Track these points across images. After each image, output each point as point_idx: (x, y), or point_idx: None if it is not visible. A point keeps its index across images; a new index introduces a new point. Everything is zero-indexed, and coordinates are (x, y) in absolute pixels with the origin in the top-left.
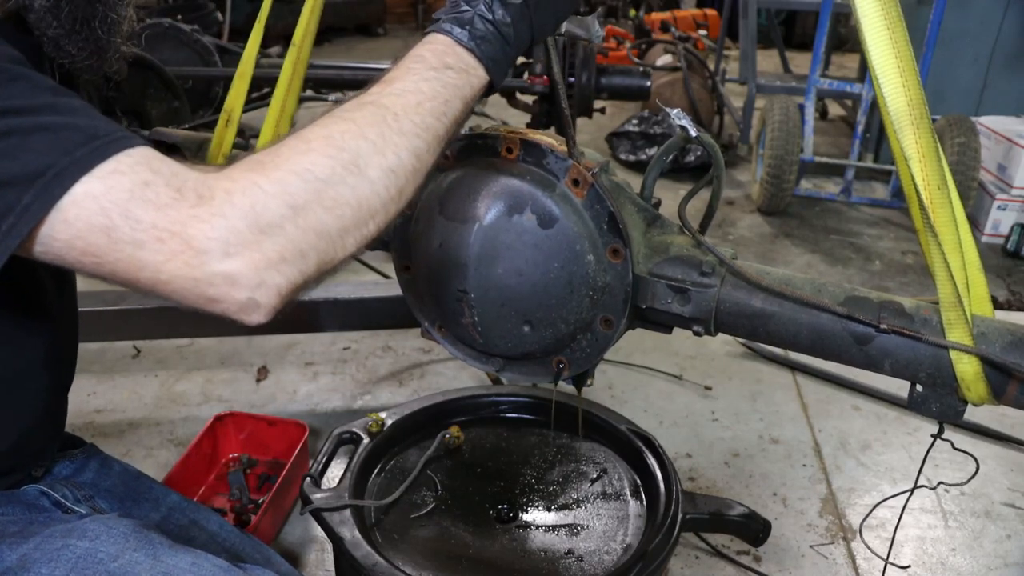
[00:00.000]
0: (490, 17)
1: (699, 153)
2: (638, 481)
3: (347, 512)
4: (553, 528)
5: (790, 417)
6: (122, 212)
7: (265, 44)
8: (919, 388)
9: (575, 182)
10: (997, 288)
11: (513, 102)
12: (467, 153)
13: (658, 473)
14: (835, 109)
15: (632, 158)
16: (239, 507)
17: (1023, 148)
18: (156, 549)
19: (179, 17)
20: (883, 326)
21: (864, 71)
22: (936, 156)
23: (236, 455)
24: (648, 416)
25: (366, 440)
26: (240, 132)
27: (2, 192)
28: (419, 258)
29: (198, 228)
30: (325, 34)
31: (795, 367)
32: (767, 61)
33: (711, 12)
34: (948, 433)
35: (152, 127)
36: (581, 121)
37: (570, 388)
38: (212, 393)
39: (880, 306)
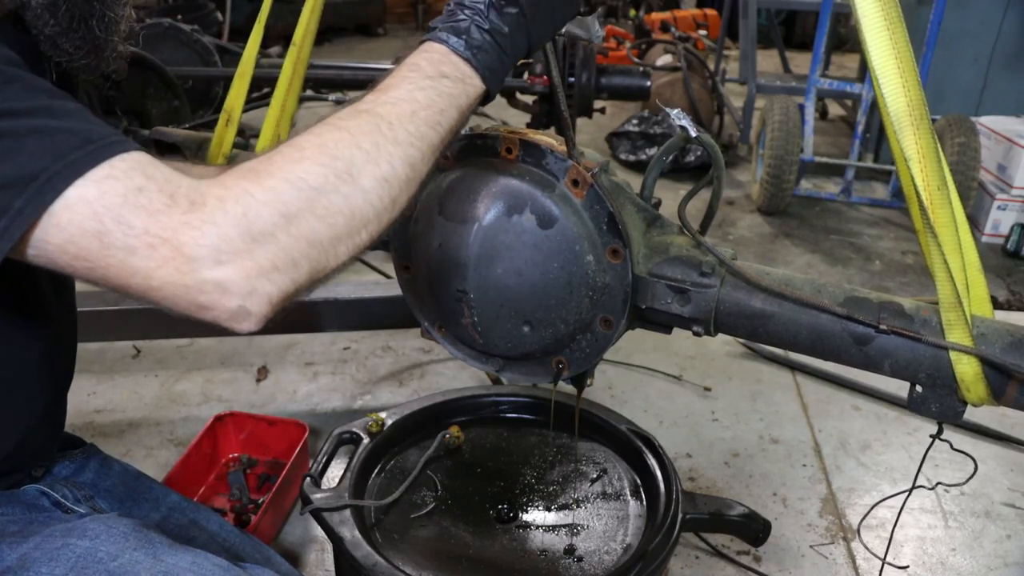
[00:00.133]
0: (486, 26)
1: (699, 153)
2: (638, 481)
3: (347, 512)
4: (553, 528)
5: (790, 417)
6: (115, 217)
7: (265, 44)
8: (919, 389)
9: (575, 182)
10: (997, 288)
11: (513, 102)
12: (467, 153)
13: (658, 473)
14: (835, 109)
15: (632, 158)
16: (239, 507)
17: (1023, 148)
18: (156, 548)
19: (179, 17)
20: (883, 327)
21: (864, 71)
22: (936, 156)
23: (236, 455)
24: (648, 416)
25: (366, 440)
26: (240, 132)
27: None
28: (419, 258)
29: (189, 235)
30: (325, 34)
31: (795, 367)
32: (767, 61)
33: (711, 12)
34: (948, 433)
35: (152, 126)
36: (581, 121)
37: (571, 388)
38: (212, 393)
39: (880, 307)
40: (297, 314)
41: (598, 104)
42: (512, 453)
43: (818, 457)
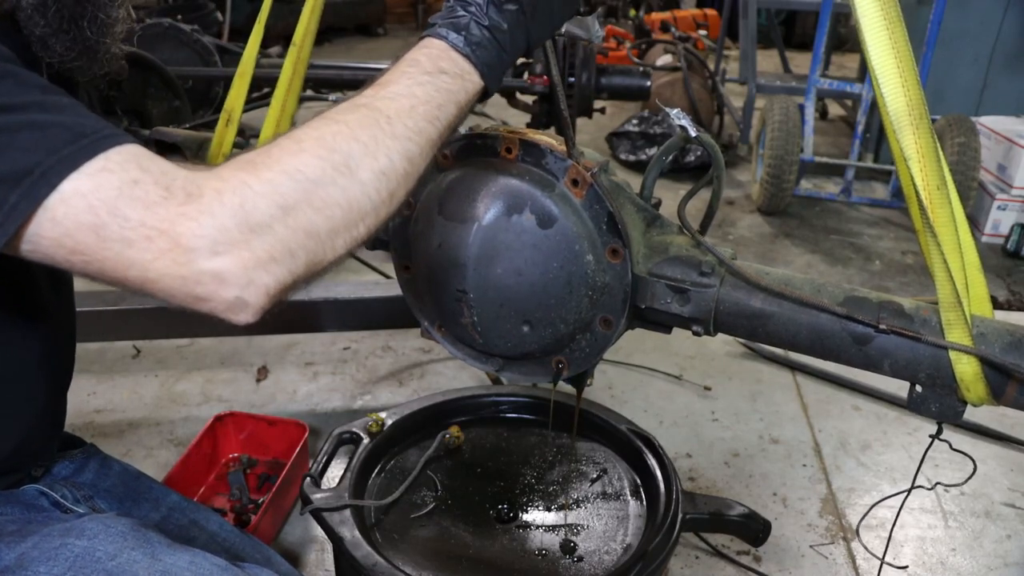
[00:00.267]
0: (486, 23)
1: (699, 153)
2: (638, 481)
3: (347, 512)
4: (553, 528)
5: (790, 417)
6: (111, 210)
7: (265, 44)
8: (918, 388)
9: (574, 182)
10: (997, 288)
11: (513, 102)
12: (466, 153)
13: (658, 473)
14: (835, 109)
15: (632, 158)
16: (239, 507)
17: (1023, 148)
18: (154, 548)
19: (179, 17)
20: (882, 326)
21: (864, 71)
22: (936, 156)
23: (236, 455)
24: (648, 416)
25: (366, 440)
26: (240, 132)
27: None
28: (419, 258)
29: (186, 226)
30: (325, 34)
31: (795, 367)
32: (767, 61)
33: (711, 12)
34: (948, 433)
35: (153, 126)
36: (581, 121)
37: (571, 388)
38: (212, 393)
39: (879, 306)
40: (297, 314)
41: (598, 104)
42: (512, 453)
43: (818, 457)
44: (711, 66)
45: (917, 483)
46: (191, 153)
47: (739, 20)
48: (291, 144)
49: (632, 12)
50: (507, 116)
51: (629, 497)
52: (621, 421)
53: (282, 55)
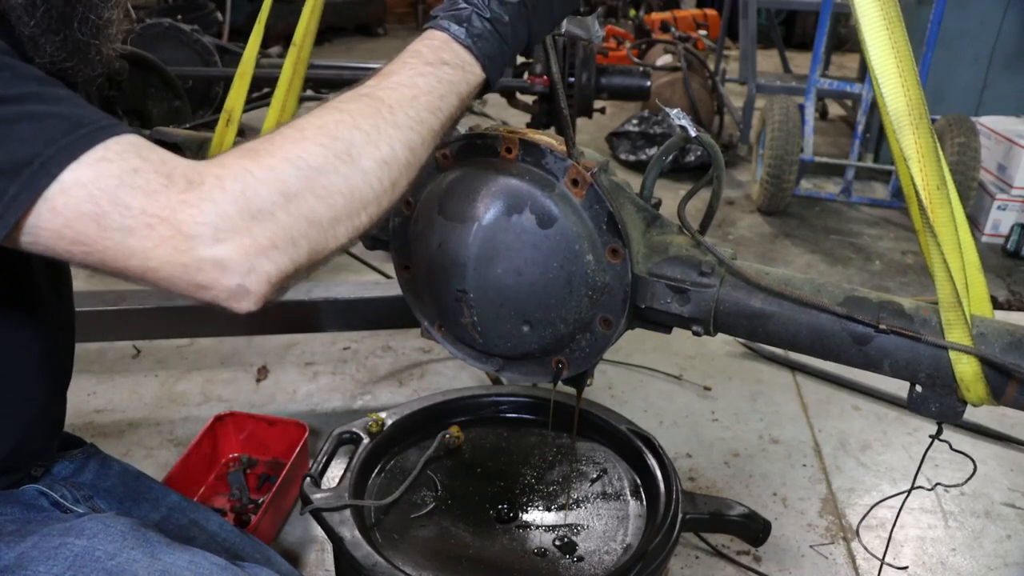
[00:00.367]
0: (487, 15)
1: (699, 153)
2: (638, 481)
3: (347, 512)
4: (553, 528)
5: (790, 417)
6: (111, 199)
7: (265, 44)
8: (918, 388)
9: (574, 182)
10: (997, 288)
11: (513, 102)
12: (466, 153)
13: (658, 473)
14: (835, 109)
15: (632, 158)
16: (239, 507)
17: (1023, 148)
18: (154, 547)
19: (179, 17)
20: (882, 326)
21: (864, 71)
22: (935, 156)
23: (236, 455)
24: (648, 416)
25: (366, 440)
26: (240, 132)
27: None
28: (419, 258)
29: (187, 213)
30: (325, 34)
31: (795, 367)
32: (767, 61)
33: (711, 12)
34: (948, 434)
35: (153, 126)
36: (581, 121)
37: (571, 388)
38: (212, 393)
39: (879, 306)
40: (297, 314)
41: (598, 104)
42: (512, 453)
43: (818, 457)
44: (711, 66)
45: (917, 483)
46: (191, 153)
47: (739, 20)
48: (293, 132)
49: (632, 12)
50: (507, 116)
51: (629, 497)
52: (621, 421)
53: (282, 55)
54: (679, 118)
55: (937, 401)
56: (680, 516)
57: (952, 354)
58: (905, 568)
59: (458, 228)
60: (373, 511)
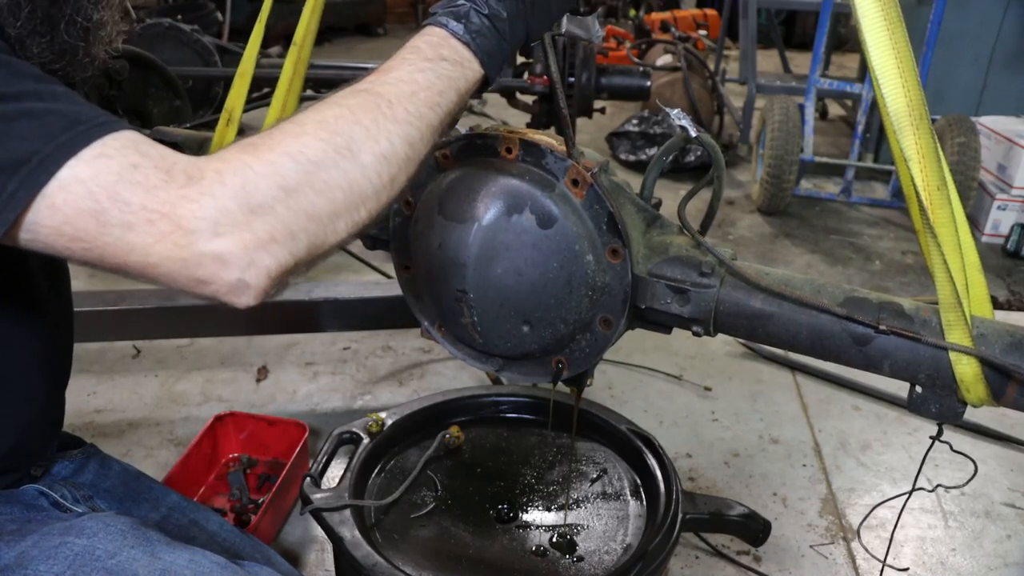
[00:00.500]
0: (485, 11)
1: (699, 153)
2: (638, 481)
3: (347, 512)
4: (553, 528)
5: (790, 417)
6: (111, 195)
7: (265, 44)
8: (918, 389)
9: (574, 182)
10: (997, 288)
11: (513, 102)
12: (466, 153)
13: (658, 473)
14: (835, 109)
15: (632, 158)
16: (239, 507)
17: (1023, 148)
18: (153, 546)
19: (179, 17)
20: (882, 327)
21: (864, 71)
22: (936, 157)
23: (236, 455)
24: (648, 416)
25: (366, 440)
26: (240, 132)
27: None
28: (419, 258)
29: (187, 208)
30: (325, 34)
31: (795, 367)
32: (767, 61)
33: (711, 12)
34: (948, 434)
35: (153, 126)
36: (581, 121)
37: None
38: (212, 393)
39: (879, 307)
40: (297, 314)
41: (598, 104)
42: (512, 453)
43: (818, 457)
44: (711, 66)
45: (918, 484)
46: (192, 152)
47: (739, 20)
48: (293, 127)
49: (632, 12)
50: (507, 116)
51: (629, 497)
52: (621, 421)
53: (282, 55)
54: (679, 118)
55: (937, 402)
56: (680, 516)
57: (952, 355)
58: (906, 570)
59: (458, 228)
60: (373, 511)
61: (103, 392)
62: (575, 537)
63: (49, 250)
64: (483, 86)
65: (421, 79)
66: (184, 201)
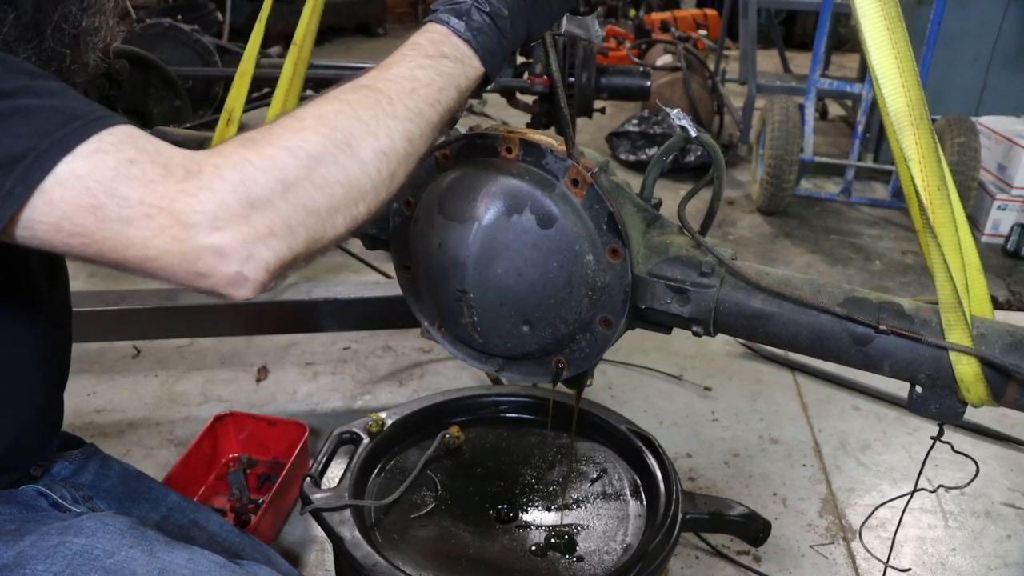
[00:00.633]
0: (487, 9)
1: (699, 153)
2: (638, 481)
3: (347, 512)
4: (553, 528)
5: (790, 417)
6: (108, 190)
7: (265, 44)
8: (918, 389)
9: (574, 182)
10: (997, 288)
11: (513, 102)
12: (466, 153)
13: (658, 473)
14: (835, 109)
15: (632, 158)
16: (239, 507)
17: (1023, 148)
18: (152, 546)
19: (179, 17)
20: (882, 327)
21: (864, 71)
22: (936, 157)
23: (236, 455)
24: (648, 416)
25: (366, 440)
26: (241, 131)
27: None
28: (419, 258)
29: (186, 202)
30: (325, 34)
31: (795, 367)
32: (767, 61)
33: (711, 12)
34: (948, 434)
35: (154, 126)
36: (581, 121)
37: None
38: (212, 393)
39: (879, 307)
40: (297, 314)
41: (598, 104)
42: (512, 453)
43: (818, 457)
44: (711, 66)
45: (918, 485)
46: None
47: (739, 20)
48: (292, 122)
49: (632, 12)
50: (507, 116)
51: (629, 497)
52: (621, 421)
53: (282, 55)
54: (679, 118)
55: (937, 402)
56: (680, 516)
57: (952, 355)
58: (907, 570)
59: (458, 228)
60: (373, 511)
61: (103, 392)
62: (575, 537)
63: (47, 246)
64: (483, 84)
65: (422, 76)
66: (183, 195)
